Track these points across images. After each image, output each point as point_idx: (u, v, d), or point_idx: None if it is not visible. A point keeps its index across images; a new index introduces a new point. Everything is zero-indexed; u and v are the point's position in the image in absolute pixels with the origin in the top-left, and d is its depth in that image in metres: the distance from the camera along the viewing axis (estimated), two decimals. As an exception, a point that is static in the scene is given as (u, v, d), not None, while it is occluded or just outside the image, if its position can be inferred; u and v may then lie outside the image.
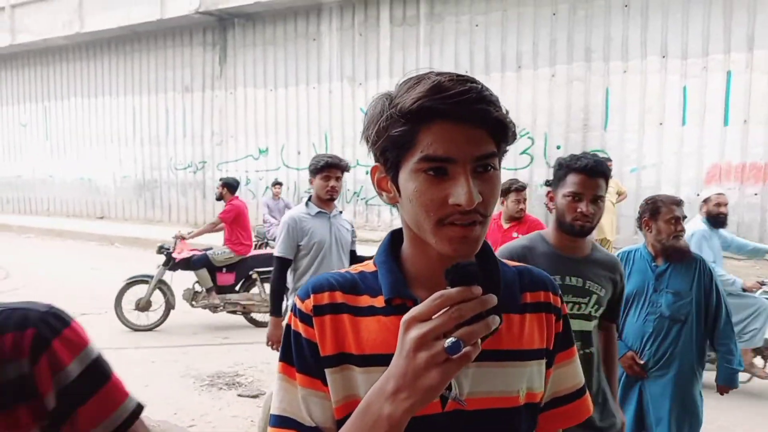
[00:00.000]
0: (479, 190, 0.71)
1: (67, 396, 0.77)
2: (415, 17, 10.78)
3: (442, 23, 10.50)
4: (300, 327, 0.79)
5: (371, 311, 0.79)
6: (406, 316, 0.64)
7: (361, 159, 11.57)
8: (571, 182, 1.84)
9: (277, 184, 9.45)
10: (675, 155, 8.69)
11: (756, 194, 8.25)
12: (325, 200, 3.15)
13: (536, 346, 0.83)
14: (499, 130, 0.73)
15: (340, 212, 3.30)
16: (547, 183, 4.18)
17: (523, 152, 9.86)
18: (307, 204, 3.21)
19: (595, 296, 1.90)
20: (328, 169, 3.10)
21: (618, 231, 8.59)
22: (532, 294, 0.86)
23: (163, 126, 14.26)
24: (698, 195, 8.52)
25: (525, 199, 4.00)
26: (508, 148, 0.77)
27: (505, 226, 4.02)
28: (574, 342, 0.92)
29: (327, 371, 0.78)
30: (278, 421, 0.79)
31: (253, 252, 6.22)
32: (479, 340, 0.62)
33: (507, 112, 0.75)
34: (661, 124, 8.78)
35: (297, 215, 3.16)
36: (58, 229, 13.47)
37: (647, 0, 8.73)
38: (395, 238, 0.85)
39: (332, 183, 3.12)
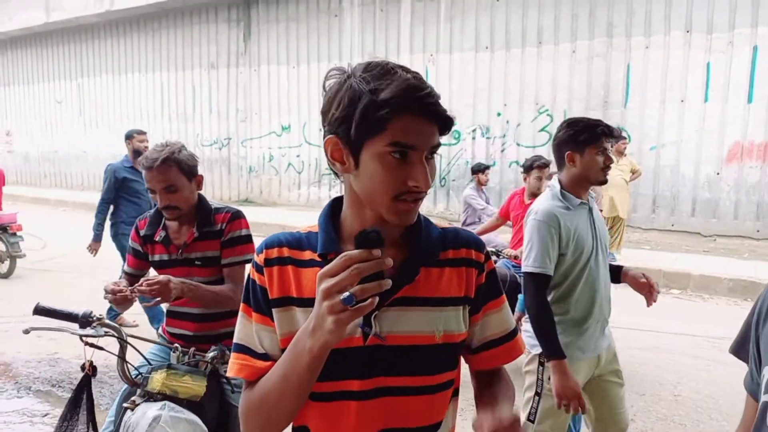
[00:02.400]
0: (428, 172, 0.89)
1: None
2: (437, -8, 10.71)
3: (463, -2, 10.42)
4: (255, 276, 0.98)
5: (311, 263, 0.96)
6: (320, 272, 0.79)
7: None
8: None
9: (485, 168, 6.20)
10: (696, 133, 8.54)
11: (778, 173, 8.08)
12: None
13: (453, 294, 0.99)
14: (445, 126, 0.90)
15: None
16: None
17: (542, 129, 9.81)
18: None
19: None
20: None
21: (635, 209, 8.56)
22: (454, 251, 1.01)
23: (189, 102, 14.61)
24: (718, 174, 8.43)
25: (548, 176, 3.97)
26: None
27: (527, 201, 4.07)
28: (503, 292, 1.08)
29: (274, 311, 0.95)
30: (237, 348, 0.98)
31: None
32: (376, 298, 0.76)
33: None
34: (682, 101, 8.61)
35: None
36: (92, 203, 14.00)
37: (673, -28, 8.50)
38: (335, 204, 1.02)
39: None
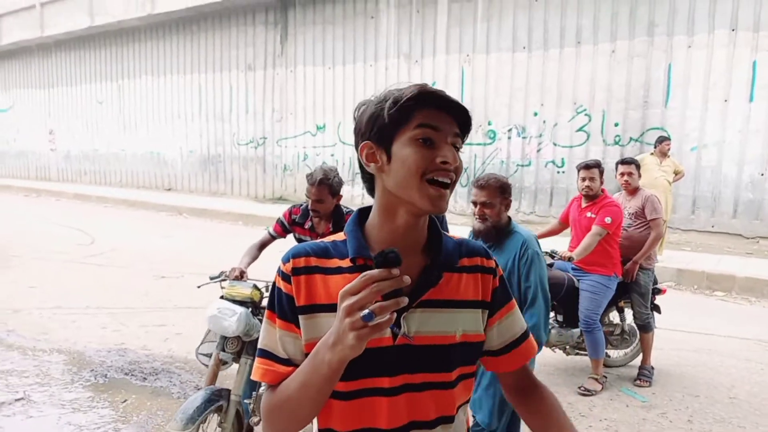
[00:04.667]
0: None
1: None
2: (473, -7, 10.75)
3: (500, -2, 10.44)
4: (282, 284, 1.03)
5: (338, 270, 1.02)
6: (342, 290, 0.84)
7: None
8: None
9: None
10: (740, 133, 8.41)
11: (827, 174, 7.91)
12: None
13: (470, 298, 1.07)
14: (464, 122, 1.01)
15: None
16: (623, 161, 4.29)
17: (580, 129, 9.77)
18: None
19: None
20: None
21: (674, 210, 8.47)
22: (469, 259, 1.11)
23: (227, 103, 14.93)
24: (762, 175, 8.29)
25: (592, 178, 3.88)
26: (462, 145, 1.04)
27: (583, 205, 4.04)
28: (512, 296, 1.17)
29: (300, 318, 1.00)
30: (261, 353, 1.04)
31: None
32: (394, 314, 0.82)
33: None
34: (726, 100, 8.49)
35: None
36: (131, 200, 14.48)
37: (717, -29, 8.39)
38: (362, 213, 1.10)
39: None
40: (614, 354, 4.38)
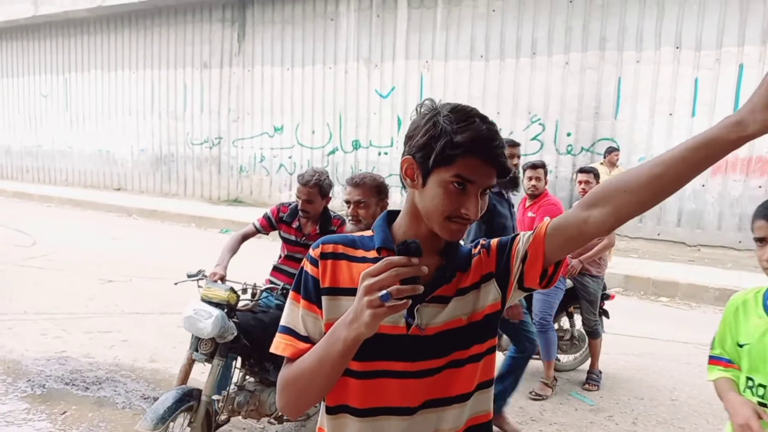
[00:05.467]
0: (480, 206, 1.05)
1: None
2: (433, 0, 10.87)
3: (459, 7, 10.59)
4: (309, 267, 1.12)
5: (363, 260, 1.11)
6: (364, 272, 0.91)
7: (374, 140, 11.79)
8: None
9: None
10: (683, 146, 8.82)
11: (760, 187, 8.39)
12: None
13: (476, 281, 1.14)
14: (503, 173, 1.06)
15: None
16: (582, 170, 4.39)
17: (534, 138, 10.02)
18: None
19: None
20: None
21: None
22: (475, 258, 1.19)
23: (180, 101, 14.52)
24: (703, 186, 8.72)
25: (538, 177, 3.99)
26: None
27: (527, 204, 4.14)
28: (516, 233, 1.20)
29: (323, 298, 1.09)
30: (283, 329, 1.12)
31: None
32: (410, 300, 0.88)
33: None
34: (671, 114, 8.90)
35: None
36: (77, 200, 13.87)
37: (664, -10, 8.78)
38: (390, 215, 1.18)
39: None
40: (564, 358, 4.49)
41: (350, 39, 11.89)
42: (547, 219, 1.12)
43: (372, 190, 2.55)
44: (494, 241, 1.19)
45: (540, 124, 9.96)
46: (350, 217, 2.57)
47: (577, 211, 1.03)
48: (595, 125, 9.53)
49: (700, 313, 6.39)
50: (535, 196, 4.07)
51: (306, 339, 1.09)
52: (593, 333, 4.20)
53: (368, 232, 1.17)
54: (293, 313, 1.12)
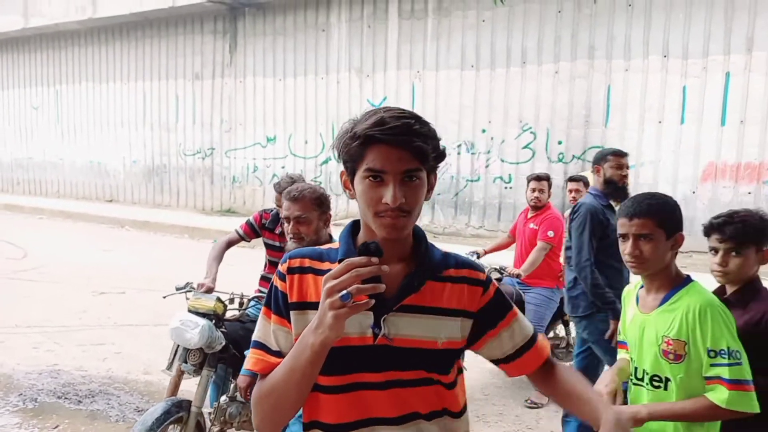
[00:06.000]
0: (404, 194, 1.01)
1: None
2: (423, 11, 10.96)
3: (449, 17, 10.69)
4: (278, 283, 1.13)
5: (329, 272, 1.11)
6: (326, 275, 0.92)
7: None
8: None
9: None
10: (673, 153, 8.93)
11: (750, 193, 8.49)
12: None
13: (453, 307, 1.12)
14: (419, 154, 1.02)
15: None
16: (572, 179, 4.51)
17: (526, 147, 10.10)
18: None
19: None
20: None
21: (615, 225, 8.86)
22: (456, 270, 1.17)
23: (173, 112, 14.51)
24: (694, 192, 8.81)
25: (542, 189, 4.05)
26: (436, 164, 1.09)
27: (529, 215, 4.19)
28: (512, 306, 1.23)
29: (292, 313, 1.09)
30: (255, 344, 1.13)
31: None
32: (371, 298, 0.90)
33: (440, 139, 1.08)
34: (660, 122, 9.00)
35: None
36: (69, 211, 13.77)
37: (651, 0, 8.92)
38: (355, 225, 1.17)
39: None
40: None
41: (342, 50, 11.95)
42: (545, 356, 1.26)
43: (312, 203, 2.34)
44: (492, 289, 1.18)
45: (531, 132, 10.04)
46: (291, 235, 2.35)
47: (550, 378, 1.25)
48: (586, 133, 9.62)
49: (693, 318, 6.43)
50: (538, 208, 4.12)
51: (277, 353, 1.08)
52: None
53: (336, 245, 1.17)
54: (265, 327, 1.12)
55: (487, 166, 10.51)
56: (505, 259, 4.55)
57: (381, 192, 1.02)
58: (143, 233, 11.56)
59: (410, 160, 1.02)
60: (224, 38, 13.50)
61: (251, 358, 1.10)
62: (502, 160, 10.33)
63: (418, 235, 1.15)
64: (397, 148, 1.01)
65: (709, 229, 2.00)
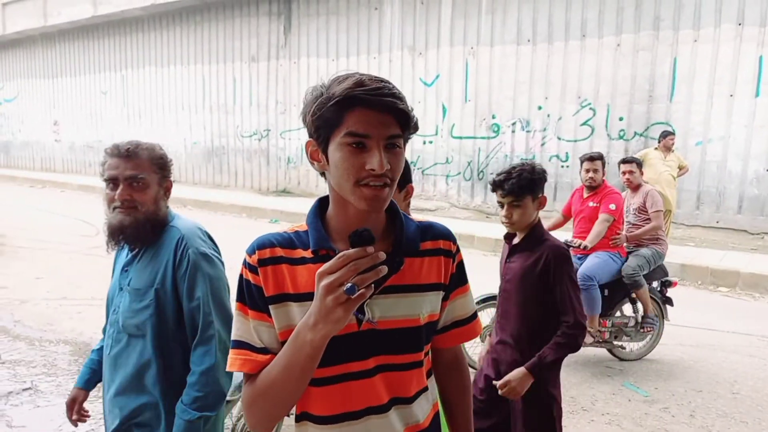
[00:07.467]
0: (388, 160, 0.95)
1: None
2: (478, -15, 10.68)
3: (505, -9, 10.37)
4: (249, 276, 1.04)
5: (303, 261, 1.04)
6: (319, 270, 0.87)
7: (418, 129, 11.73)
8: None
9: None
10: (745, 128, 8.38)
11: (832, 170, 7.89)
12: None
13: (433, 281, 1.10)
14: (402, 119, 0.97)
15: None
16: (625, 160, 4.47)
17: (584, 123, 9.74)
18: None
19: None
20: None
21: (678, 205, 8.46)
22: (432, 242, 1.13)
23: (230, 94, 14.91)
24: (767, 170, 8.26)
25: (596, 170, 4.14)
26: (410, 136, 1.02)
27: (585, 195, 4.30)
28: (468, 280, 1.22)
29: (271, 307, 1.02)
30: (236, 344, 1.04)
31: None
32: (373, 285, 0.86)
33: (412, 109, 1.00)
34: (731, 95, 8.45)
35: None
36: (136, 191, 14.47)
37: (725, -36, 8.32)
38: (322, 203, 1.10)
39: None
40: (629, 347, 4.41)
41: (394, 27, 11.85)
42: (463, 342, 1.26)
43: (149, 162, 1.72)
44: (458, 258, 1.17)
45: (590, 108, 9.67)
46: (118, 203, 1.67)
47: (449, 361, 1.26)
48: (649, 109, 9.17)
49: (764, 303, 6.11)
50: (593, 187, 4.20)
51: (264, 350, 1.02)
52: (633, 284, 4.14)
53: (302, 227, 1.09)
54: (243, 325, 1.04)
55: (543, 144, 10.23)
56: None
57: (363, 158, 0.94)
58: (204, 212, 12.03)
59: (394, 125, 0.96)
60: (279, 20, 13.67)
61: (236, 360, 1.03)
62: (559, 138, 10.02)
63: (392, 209, 1.09)
64: (381, 111, 0.94)
65: (493, 186, 2.19)
